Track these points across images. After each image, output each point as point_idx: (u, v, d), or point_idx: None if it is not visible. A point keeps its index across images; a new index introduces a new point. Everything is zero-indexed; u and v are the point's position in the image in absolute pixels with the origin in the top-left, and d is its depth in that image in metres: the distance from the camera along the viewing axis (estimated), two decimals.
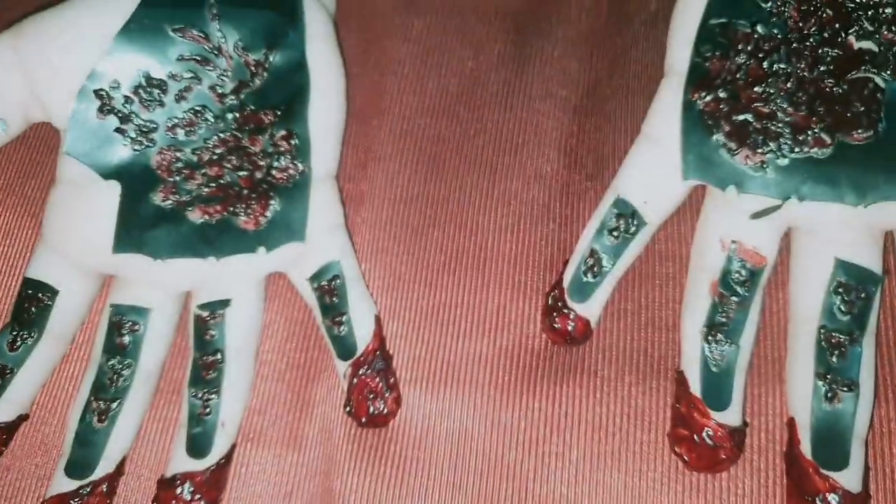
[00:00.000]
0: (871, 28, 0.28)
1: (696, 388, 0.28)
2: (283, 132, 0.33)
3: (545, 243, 0.34)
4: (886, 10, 0.28)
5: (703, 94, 0.30)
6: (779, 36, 0.29)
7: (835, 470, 0.26)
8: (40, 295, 0.32)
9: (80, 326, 0.33)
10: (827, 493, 0.26)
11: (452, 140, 0.36)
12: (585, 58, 0.38)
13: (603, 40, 0.38)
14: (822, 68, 0.29)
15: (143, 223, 0.32)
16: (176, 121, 0.33)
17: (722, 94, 0.30)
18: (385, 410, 0.31)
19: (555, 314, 0.31)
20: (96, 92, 0.32)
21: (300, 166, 0.33)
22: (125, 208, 0.32)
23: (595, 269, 0.30)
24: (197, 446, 0.31)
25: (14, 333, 0.31)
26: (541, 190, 0.35)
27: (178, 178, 0.32)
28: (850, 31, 0.29)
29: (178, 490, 0.30)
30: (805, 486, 0.26)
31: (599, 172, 0.34)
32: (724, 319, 0.28)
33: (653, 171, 0.31)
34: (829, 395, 0.27)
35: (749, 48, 0.30)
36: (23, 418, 0.32)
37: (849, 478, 0.26)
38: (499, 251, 0.34)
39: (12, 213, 0.36)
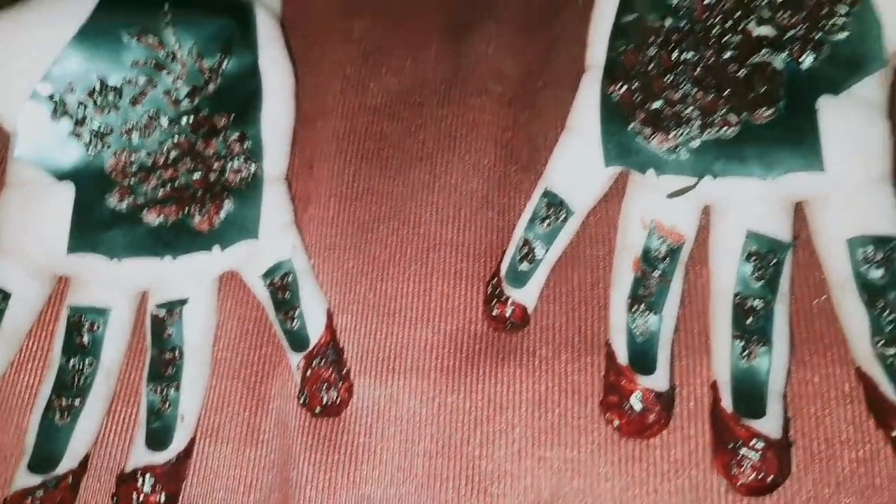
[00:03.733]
0: (767, 14, 0.30)
1: (622, 356, 0.30)
2: (236, 135, 0.34)
3: (485, 231, 0.35)
4: None
5: (619, 85, 0.31)
6: (686, 27, 0.31)
7: (754, 419, 0.28)
8: None
9: (30, 329, 0.34)
10: (748, 440, 0.28)
11: (394, 137, 0.38)
12: (518, 53, 0.39)
13: (534, 35, 0.40)
14: (726, 54, 0.30)
15: (99, 224, 0.33)
16: (131, 124, 0.34)
17: (635, 85, 0.31)
18: (338, 400, 0.32)
19: (494, 302, 0.32)
20: (50, 96, 0.33)
21: (253, 167, 0.34)
22: (80, 210, 0.33)
23: (529, 256, 0.32)
24: (157, 439, 0.32)
25: None
26: (479, 181, 0.36)
27: (133, 181, 0.34)
28: (750, 18, 0.30)
29: (139, 483, 0.31)
30: (727, 436, 0.28)
31: (533, 163, 0.36)
32: (646, 292, 0.30)
33: (577, 161, 0.32)
34: (744, 352, 0.29)
35: (659, 40, 0.31)
36: None
37: (768, 426, 0.28)
38: (441, 241, 0.35)
39: None
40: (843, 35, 0.29)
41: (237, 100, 0.34)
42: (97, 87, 0.33)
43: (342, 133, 0.38)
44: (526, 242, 0.32)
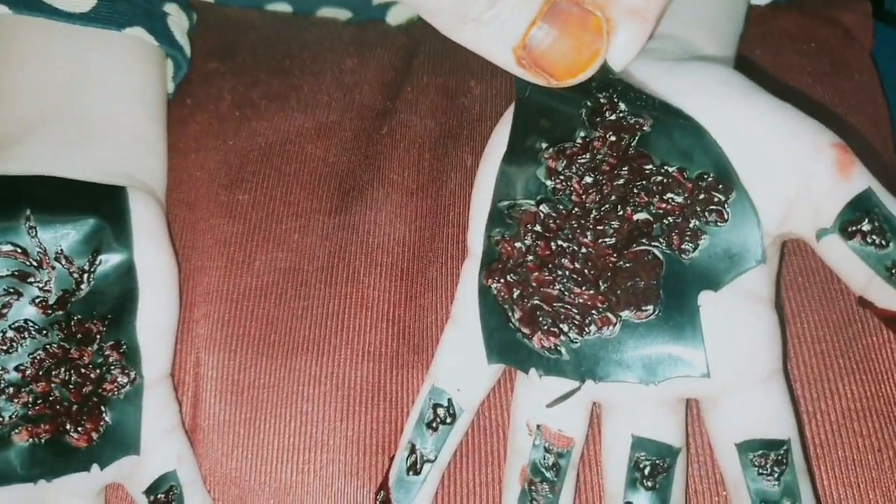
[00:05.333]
0: (645, 198, 0.29)
1: None
2: (111, 342, 0.32)
3: (377, 425, 0.33)
4: (656, 179, 0.29)
5: (496, 278, 0.30)
6: (564, 211, 0.30)
7: None
8: None
9: None
10: None
11: (280, 322, 0.36)
12: (409, 218, 0.38)
13: (425, 199, 0.38)
14: (605, 241, 0.29)
15: None
16: None
17: (512, 279, 0.30)
18: None
19: None
20: None
21: (131, 375, 0.32)
22: None
23: (417, 465, 0.30)
24: None
25: None
26: (371, 367, 0.34)
27: (1, 400, 0.32)
28: (629, 201, 0.29)
29: None
30: None
31: (424, 344, 0.34)
32: None
33: (462, 356, 0.31)
34: None
35: (537, 228, 0.30)
36: None
37: None
38: (332, 441, 0.33)
39: None
40: (720, 226, 0.28)
41: (111, 302, 0.33)
42: None
43: (226, 320, 0.36)
44: (413, 449, 0.30)
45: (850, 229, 0.26)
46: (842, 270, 0.27)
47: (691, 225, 0.28)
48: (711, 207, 0.28)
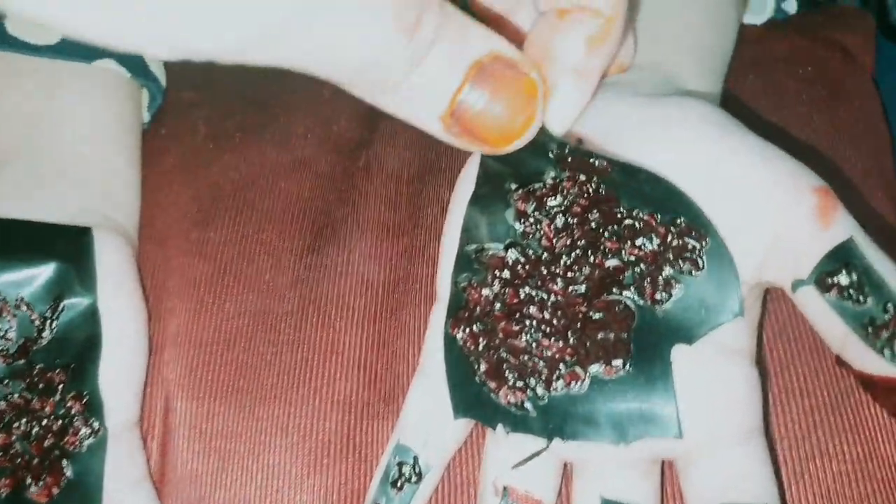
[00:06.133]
0: (616, 244, 0.27)
1: None
2: (73, 392, 0.31)
3: (345, 480, 0.32)
4: (627, 223, 0.27)
5: (462, 327, 0.29)
6: (533, 257, 0.28)
7: None
8: None
9: None
10: None
11: (249, 368, 0.35)
12: (384, 258, 0.36)
13: (400, 237, 0.37)
14: (575, 290, 0.28)
15: None
16: None
17: (478, 328, 0.28)
18: None
19: None
20: None
21: (94, 426, 0.31)
22: None
23: None
24: None
25: None
26: (340, 417, 0.33)
27: None
28: (600, 247, 0.28)
29: None
30: None
31: (394, 393, 0.33)
32: None
33: (428, 410, 0.29)
34: None
35: (505, 274, 0.28)
36: None
37: None
38: (298, 497, 0.32)
39: None
40: (695, 275, 0.26)
41: (75, 349, 0.32)
42: None
43: (195, 365, 0.35)
44: None
45: (827, 282, 0.24)
46: (818, 326, 0.25)
47: (665, 274, 0.27)
48: (685, 255, 0.26)
